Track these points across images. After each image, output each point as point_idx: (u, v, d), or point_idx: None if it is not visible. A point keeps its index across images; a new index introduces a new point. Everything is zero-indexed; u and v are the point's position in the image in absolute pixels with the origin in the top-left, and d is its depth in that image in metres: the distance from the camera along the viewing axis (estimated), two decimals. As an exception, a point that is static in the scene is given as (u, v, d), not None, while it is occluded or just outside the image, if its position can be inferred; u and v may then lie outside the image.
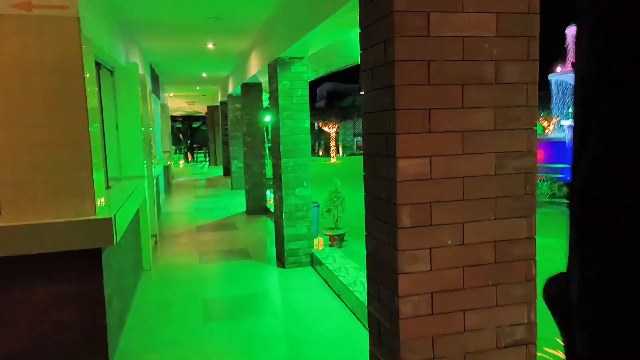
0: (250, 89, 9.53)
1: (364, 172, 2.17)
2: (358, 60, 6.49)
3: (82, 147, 3.33)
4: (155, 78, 10.39)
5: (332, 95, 38.62)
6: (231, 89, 12.34)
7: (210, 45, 7.54)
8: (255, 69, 7.48)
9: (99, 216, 3.36)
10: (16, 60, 3.15)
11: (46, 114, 3.23)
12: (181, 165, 22.83)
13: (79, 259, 3.37)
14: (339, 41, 5.80)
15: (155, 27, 6.25)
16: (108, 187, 4.60)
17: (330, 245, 6.31)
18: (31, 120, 3.20)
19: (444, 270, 1.86)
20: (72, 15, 3.22)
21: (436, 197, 1.84)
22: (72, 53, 3.25)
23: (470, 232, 1.89)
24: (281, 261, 5.98)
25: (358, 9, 3.85)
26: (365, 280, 4.75)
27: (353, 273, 4.89)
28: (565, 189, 9.25)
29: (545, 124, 26.52)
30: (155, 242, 7.12)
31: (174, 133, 21.55)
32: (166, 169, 12.44)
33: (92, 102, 3.49)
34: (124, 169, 5.78)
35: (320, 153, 28.28)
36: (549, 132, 23.22)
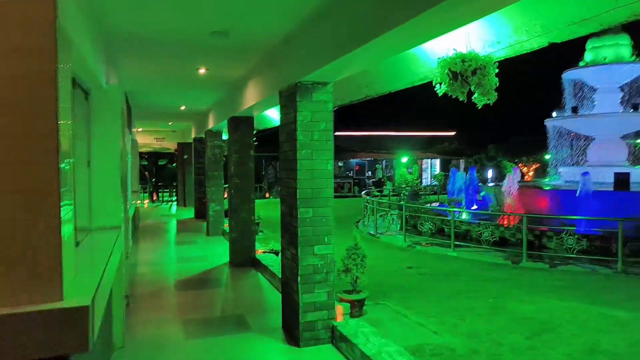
0: (240, 124, 8.45)
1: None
2: (386, 91, 5.49)
3: (47, 194, 2.14)
4: (129, 110, 9.16)
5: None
6: (212, 123, 11.21)
7: (202, 70, 6.48)
8: (254, 98, 6.44)
9: (67, 303, 2.14)
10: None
11: (-8, 143, 2.05)
12: (146, 205, 21.12)
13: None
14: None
15: (141, 45, 5.16)
16: (76, 245, 3.33)
17: (350, 315, 5.15)
18: (-33, 152, 2.01)
19: None
20: (46, -5, 2.11)
21: None
22: (43, 53, 2.12)
23: None
24: (292, 336, 4.75)
25: (434, 19, 2.91)
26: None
27: (401, 361, 3.74)
28: (584, 243, 8.45)
29: (524, 169, 26.58)
30: (127, 304, 5.72)
31: (140, 171, 20.01)
32: (135, 211, 10.99)
33: (66, 128, 2.33)
34: (95, 216, 4.52)
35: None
36: (529, 179, 23.09)
